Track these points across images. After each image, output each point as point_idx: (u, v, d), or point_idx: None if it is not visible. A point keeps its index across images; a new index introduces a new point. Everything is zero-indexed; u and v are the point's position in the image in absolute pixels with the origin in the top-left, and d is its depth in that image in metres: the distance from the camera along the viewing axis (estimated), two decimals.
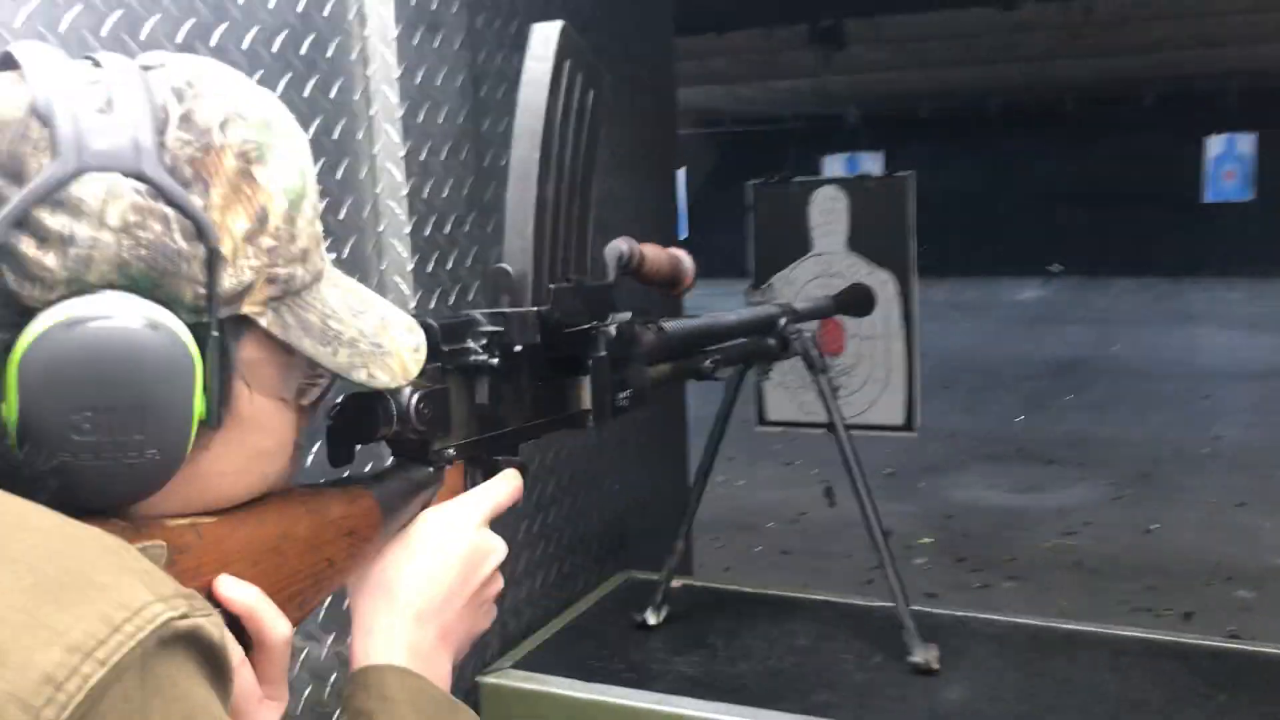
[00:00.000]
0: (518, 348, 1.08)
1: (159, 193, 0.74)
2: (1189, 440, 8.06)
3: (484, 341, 1.05)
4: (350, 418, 0.97)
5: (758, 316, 1.91)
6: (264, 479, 0.87)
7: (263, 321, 0.82)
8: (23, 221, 0.71)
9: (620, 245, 1.34)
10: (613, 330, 1.24)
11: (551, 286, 1.15)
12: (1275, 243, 15.51)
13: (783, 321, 1.97)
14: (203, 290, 0.77)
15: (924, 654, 2.06)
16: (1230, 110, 13.20)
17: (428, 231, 1.98)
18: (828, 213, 5.47)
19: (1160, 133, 14.55)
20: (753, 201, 5.62)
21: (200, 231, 0.76)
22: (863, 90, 9.85)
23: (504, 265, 1.14)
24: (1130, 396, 9.69)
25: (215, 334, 0.78)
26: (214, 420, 0.79)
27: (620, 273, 1.34)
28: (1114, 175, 16.16)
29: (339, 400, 0.97)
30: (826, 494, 5.44)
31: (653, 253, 1.39)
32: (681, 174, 12.16)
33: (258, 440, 0.85)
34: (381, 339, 0.90)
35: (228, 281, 0.79)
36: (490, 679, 2.13)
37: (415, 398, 0.96)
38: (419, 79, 1.94)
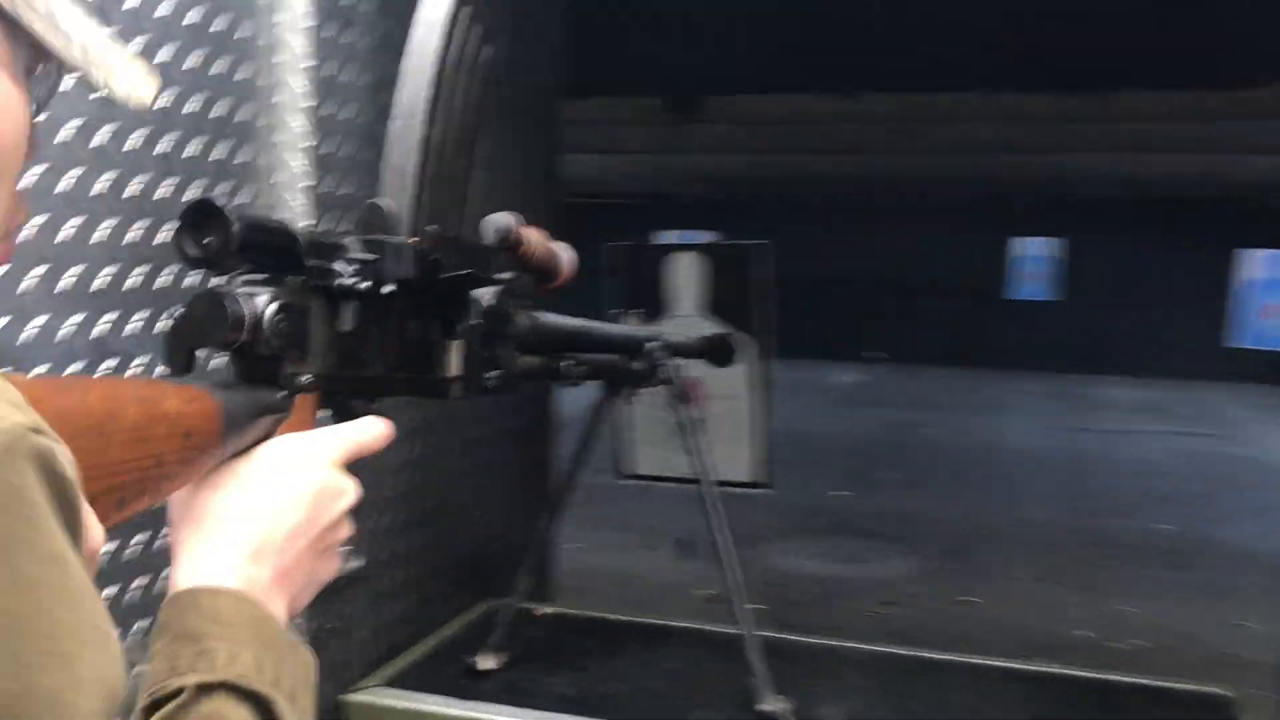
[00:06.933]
0: (390, 287, 1.00)
1: None
2: (995, 519, 8.41)
3: (355, 268, 0.97)
4: (195, 318, 0.87)
5: (630, 335, 1.87)
6: None
7: None
8: None
9: (502, 217, 1.26)
10: (486, 299, 1.18)
11: (428, 229, 1.07)
12: (1073, 341, 16.59)
13: (651, 346, 1.94)
14: None
15: (774, 704, 1.99)
16: (1037, 214, 14.09)
17: (332, 227, 1.93)
18: (685, 277, 5.55)
19: (971, 231, 15.40)
20: (609, 263, 5.66)
21: None
22: (699, 170, 10.10)
23: (377, 200, 1.06)
24: (941, 476, 10.09)
25: None
26: None
27: (499, 245, 1.25)
28: (927, 268, 17.03)
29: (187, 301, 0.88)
30: (680, 546, 5.46)
31: (534, 236, 1.31)
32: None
33: None
34: (108, 55, 0.76)
35: None
36: (358, 697, 2.05)
37: (272, 306, 0.88)
38: (327, 73, 1.91)
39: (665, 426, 5.35)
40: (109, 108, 1.55)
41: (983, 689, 2.13)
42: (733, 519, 7.18)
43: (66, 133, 1.49)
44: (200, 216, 0.84)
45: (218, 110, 1.76)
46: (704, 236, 6.85)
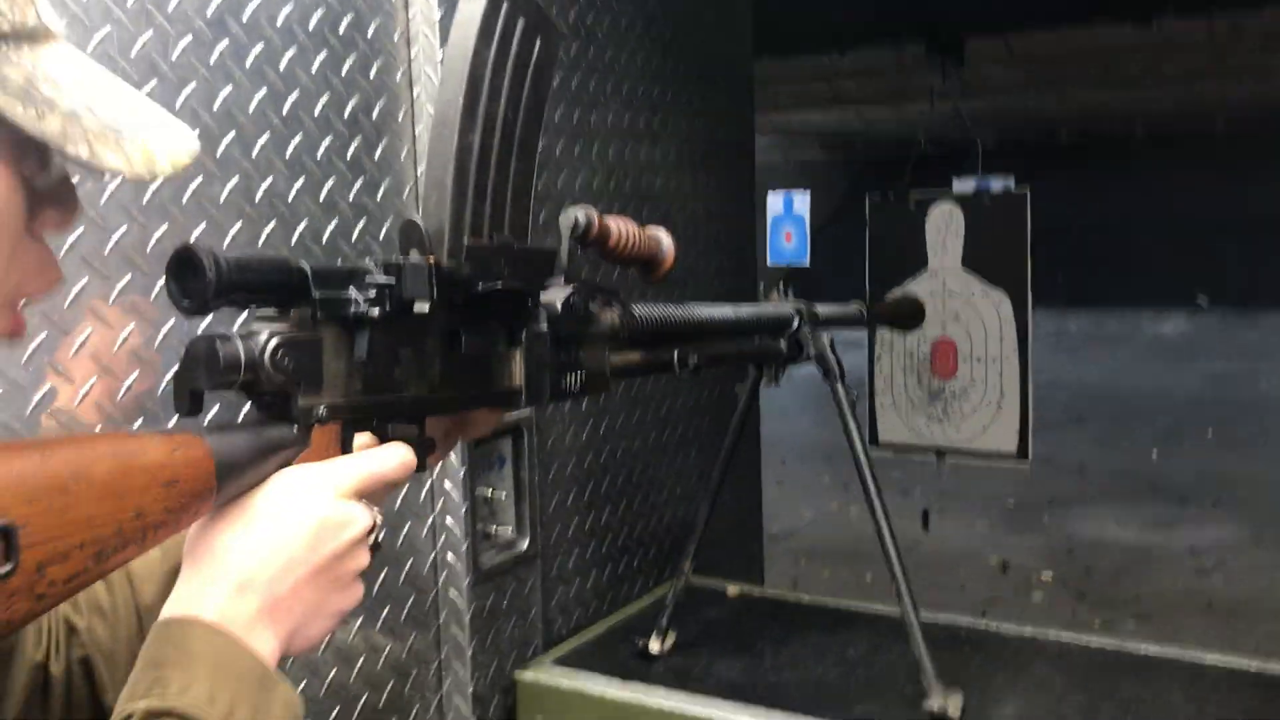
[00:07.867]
0: (421, 306, 0.97)
1: None
2: None
3: (371, 293, 0.94)
4: (192, 361, 0.86)
5: (760, 315, 1.74)
6: None
7: None
8: None
9: (575, 212, 1.21)
10: (558, 304, 1.14)
11: (467, 243, 1.03)
12: None
13: (796, 323, 1.82)
14: None
15: (941, 700, 1.83)
16: None
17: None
18: (943, 229, 5.31)
19: None
20: (869, 216, 5.50)
21: None
22: (997, 113, 9.58)
23: (415, 219, 1.03)
24: (1276, 435, 9.17)
25: None
26: None
27: (574, 243, 1.20)
28: (1268, 203, 15.37)
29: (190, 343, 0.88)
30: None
31: (620, 225, 1.25)
32: (807, 197, 12.02)
33: None
34: (123, 125, 0.78)
35: None
36: (526, 674, 2.09)
37: (272, 342, 0.87)
38: None
39: (906, 395, 5.18)
40: (232, 117, 1.63)
41: (1197, 690, 1.90)
42: (1033, 483, 6.83)
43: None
44: (182, 265, 0.85)
45: (351, 108, 1.81)
46: (998, 183, 6.47)
